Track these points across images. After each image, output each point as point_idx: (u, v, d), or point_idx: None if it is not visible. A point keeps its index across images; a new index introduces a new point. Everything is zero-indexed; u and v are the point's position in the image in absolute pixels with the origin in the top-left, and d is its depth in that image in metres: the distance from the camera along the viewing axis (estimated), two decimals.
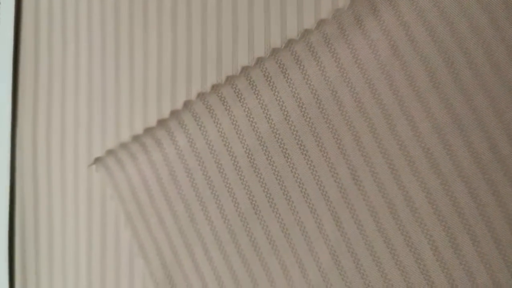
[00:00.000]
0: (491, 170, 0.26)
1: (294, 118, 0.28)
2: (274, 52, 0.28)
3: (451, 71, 0.26)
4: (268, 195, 0.28)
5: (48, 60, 0.33)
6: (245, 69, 0.29)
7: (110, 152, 0.30)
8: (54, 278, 0.32)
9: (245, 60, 0.29)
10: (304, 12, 0.28)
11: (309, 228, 0.27)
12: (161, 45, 0.31)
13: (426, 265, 0.26)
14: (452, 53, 0.26)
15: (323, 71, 0.27)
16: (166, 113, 0.30)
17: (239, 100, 0.28)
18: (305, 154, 0.27)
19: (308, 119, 0.27)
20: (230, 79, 0.29)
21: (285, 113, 0.28)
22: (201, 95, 0.29)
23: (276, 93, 0.28)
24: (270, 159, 0.28)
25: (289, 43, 0.28)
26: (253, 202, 0.28)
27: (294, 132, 0.28)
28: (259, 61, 0.28)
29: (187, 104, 0.29)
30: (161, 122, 0.30)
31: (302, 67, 0.28)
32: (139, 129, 0.31)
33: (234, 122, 0.28)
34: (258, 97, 0.28)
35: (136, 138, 0.30)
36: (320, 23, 0.28)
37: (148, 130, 0.30)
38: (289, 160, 0.28)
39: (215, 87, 0.29)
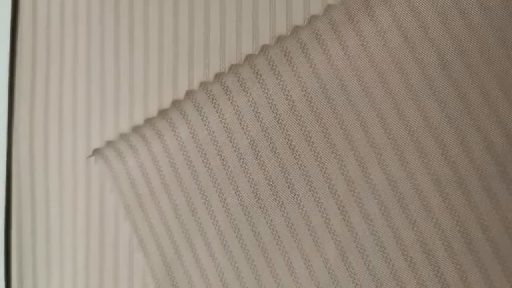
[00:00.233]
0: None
1: (300, 108, 0.27)
2: (280, 39, 0.28)
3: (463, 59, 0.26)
4: (273, 188, 0.27)
5: (46, 48, 0.32)
6: (249, 57, 0.28)
7: (109, 143, 0.30)
8: (52, 273, 0.32)
9: (249, 48, 0.29)
10: None
11: (315, 223, 0.27)
12: (162, 32, 0.30)
13: (437, 261, 0.26)
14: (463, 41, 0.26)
15: (330, 59, 0.27)
16: (167, 103, 0.30)
17: (243, 90, 0.28)
18: (311, 145, 0.27)
19: (314, 109, 0.27)
20: (233, 68, 0.28)
21: (291, 103, 0.27)
22: (203, 84, 0.29)
23: (282, 82, 0.27)
24: (275, 151, 0.27)
25: (295, 30, 0.28)
26: (257, 196, 0.28)
27: (300, 123, 0.27)
28: (264, 49, 0.28)
29: (189, 93, 0.29)
30: (162, 113, 0.29)
31: (308, 55, 0.27)
32: (139, 120, 0.31)
33: (237, 112, 0.28)
34: (263, 87, 0.28)
35: (136, 129, 0.30)
36: (328, 9, 0.27)
37: (148, 121, 0.30)
38: (295, 151, 0.27)
39: (218, 76, 0.29)
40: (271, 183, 0.27)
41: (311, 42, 0.27)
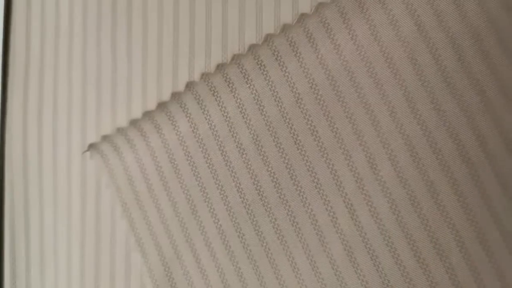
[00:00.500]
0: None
1: (306, 101, 0.27)
2: (285, 28, 0.27)
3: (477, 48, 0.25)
4: (277, 185, 0.27)
5: (40, 38, 0.32)
6: (252, 48, 0.28)
7: (105, 138, 0.30)
8: (46, 273, 0.32)
9: (253, 38, 0.29)
10: None
11: (321, 222, 0.26)
12: (162, 20, 0.30)
13: (451, 263, 0.25)
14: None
15: (339, 49, 0.26)
16: (166, 96, 0.30)
17: (246, 81, 0.28)
18: (318, 140, 0.27)
19: (321, 102, 0.27)
20: (236, 58, 0.28)
21: (296, 95, 0.27)
22: (204, 76, 0.28)
23: (287, 74, 0.27)
24: (279, 146, 0.27)
25: (301, 18, 0.27)
26: (260, 193, 0.27)
27: (306, 116, 0.27)
28: (268, 38, 0.28)
29: (189, 85, 0.29)
30: (161, 105, 0.29)
31: (315, 45, 0.27)
32: (137, 113, 0.30)
33: (240, 105, 0.28)
34: (267, 78, 0.27)
35: (134, 122, 0.30)
36: None
37: (147, 114, 0.29)
38: (300, 146, 0.27)
39: (220, 67, 0.28)
40: (275, 179, 0.27)
41: (318, 31, 0.27)
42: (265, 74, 0.27)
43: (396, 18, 0.26)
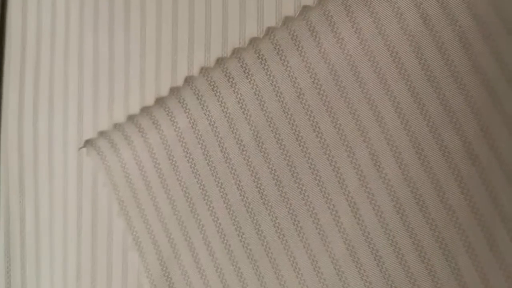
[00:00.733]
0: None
1: (308, 96, 0.26)
2: (287, 21, 0.27)
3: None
4: (278, 183, 0.27)
5: (36, 30, 0.32)
6: (253, 41, 0.28)
7: (102, 134, 0.30)
8: (41, 271, 0.32)
9: (254, 31, 0.29)
10: None
11: (323, 220, 0.26)
12: (160, 13, 0.30)
13: (457, 263, 0.25)
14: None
15: (342, 43, 0.26)
16: (165, 91, 0.30)
17: (247, 76, 0.27)
18: (320, 136, 0.26)
19: (324, 97, 0.26)
20: (236, 52, 0.28)
21: (298, 90, 0.27)
22: (204, 70, 0.28)
23: (288, 68, 0.27)
24: (280, 142, 0.27)
25: (304, 11, 0.27)
26: (261, 191, 0.27)
27: (308, 112, 0.26)
28: (270, 31, 0.27)
29: (188, 80, 0.28)
30: (160, 101, 0.29)
31: (318, 38, 0.26)
32: (135, 109, 0.30)
33: (240, 101, 0.27)
34: (268, 73, 0.27)
35: (131, 118, 0.29)
36: None
37: (144, 110, 0.29)
38: (302, 143, 0.27)
39: (220, 61, 0.28)
40: (276, 177, 0.27)
41: (321, 24, 0.26)
42: (266, 69, 0.27)
43: (401, 11, 0.25)
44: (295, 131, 0.27)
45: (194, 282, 0.28)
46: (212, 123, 0.28)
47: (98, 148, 0.29)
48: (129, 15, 0.30)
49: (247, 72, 0.27)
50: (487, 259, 0.24)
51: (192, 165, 0.28)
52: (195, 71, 0.29)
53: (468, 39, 0.25)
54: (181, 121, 0.28)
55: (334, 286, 0.26)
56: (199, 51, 0.29)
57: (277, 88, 0.27)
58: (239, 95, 0.27)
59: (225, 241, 0.27)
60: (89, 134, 0.31)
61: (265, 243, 0.27)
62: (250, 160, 0.27)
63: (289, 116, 0.27)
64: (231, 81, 0.27)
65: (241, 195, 0.27)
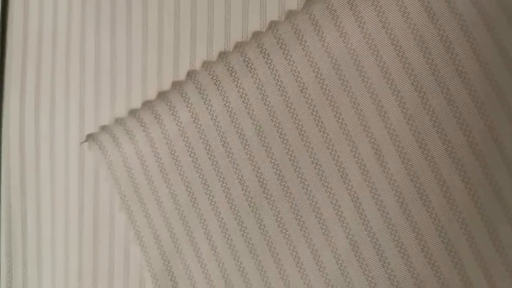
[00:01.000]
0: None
1: (311, 90, 0.26)
2: (290, 15, 0.27)
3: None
4: (280, 177, 0.27)
5: (37, 27, 0.32)
6: (256, 35, 0.28)
7: (104, 128, 0.30)
8: (43, 268, 0.32)
9: (257, 25, 0.29)
10: None
11: (326, 215, 0.26)
12: (162, 6, 0.30)
13: (460, 259, 0.24)
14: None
15: (345, 37, 0.26)
16: (167, 85, 0.30)
17: (249, 70, 0.27)
18: (323, 131, 0.26)
19: (327, 92, 0.26)
20: (239, 46, 0.28)
21: (301, 84, 0.26)
22: (206, 64, 0.28)
23: (291, 62, 0.27)
24: (282, 137, 0.27)
25: (307, 4, 0.27)
26: (263, 185, 0.27)
27: (311, 106, 0.26)
28: (272, 25, 0.27)
29: (190, 74, 0.28)
30: (162, 95, 0.29)
31: (321, 32, 0.26)
32: (137, 103, 0.30)
33: (243, 95, 0.27)
34: (271, 67, 0.27)
35: (133, 112, 0.29)
36: None
37: (146, 104, 0.29)
38: (305, 137, 0.26)
39: (222, 55, 0.28)
40: (278, 171, 0.27)
41: (324, 18, 0.26)
42: (269, 63, 0.27)
43: (405, 4, 0.25)
44: (298, 125, 0.27)
45: (196, 276, 0.28)
46: (214, 117, 0.27)
47: (100, 143, 0.29)
48: (131, 10, 0.30)
49: (250, 66, 0.27)
50: (489, 254, 0.24)
51: (194, 160, 0.28)
52: (198, 65, 0.29)
53: (471, 32, 0.25)
54: (183, 115, 0.28)
55: (336, 280, 0.26)
56: (202, 45, 0.29)
57: (279, 83, 0.27)
58: (241, 90, 0.27)
59: (227, 235, 0.27)
60: (91, 131, 0.31)
61: (267, 238, 0.27)
62: (252, 154, 0.27)
63: (291, 110, 0.27)
64: (234, 76, 0.27)
65: (243, 190, 0.27)
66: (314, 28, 0.26)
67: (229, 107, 0.27)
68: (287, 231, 0.27)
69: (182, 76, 0.29)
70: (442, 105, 0.25)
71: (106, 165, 0.29)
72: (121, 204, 0.29)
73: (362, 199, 0.26)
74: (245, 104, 0.27)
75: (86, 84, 0.31)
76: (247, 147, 0.27)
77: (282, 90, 0.27)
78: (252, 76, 0.27)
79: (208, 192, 0.28)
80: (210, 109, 0.28)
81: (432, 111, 0.25)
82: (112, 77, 0.31)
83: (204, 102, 0.28)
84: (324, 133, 0.26)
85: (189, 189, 0.28)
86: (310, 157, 0.26)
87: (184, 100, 0.28)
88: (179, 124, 0.28)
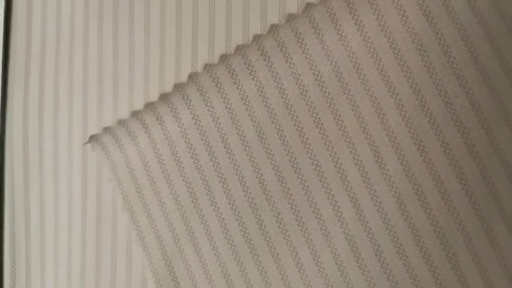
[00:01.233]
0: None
1: (311, 93, 0.26)
2: (290, 18, 0.27)
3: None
4: (280, 178, 0.27)
5: (41, 27, 0.32)
6: (257, 38, 0.28)
7: (107, 129, 0.30)
8: (46, 268, 0.32)
9: (257, 28, 0.28)
10: None
11: (326, 216, 0.26)
12: (164, 10, 0.30)
13: (458, 259, 0.24)
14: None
15: (345, 40, 0.26)
16: (169, 87, 0.30)
17: (250, 73, 0.27)
18: (322, 133, 0.26)
19: (326, 94, 0.26)
20: (240, 49, 0.28)
21: (301, 87, 0.26)
22: (208, 67, 0.28)
23: (292, 65, 0.27)
24: (283, 138, 0.27)
25: (307, 8, 0.27)
26: (264, 186, 0.27)
27: (311, 109, 0.26)
28: (273, 28, 0.27)
29: (192, 76, 0.28)
30: (164, 97, 0.29)
31: (321, 35, 0.26)
32: (139, 105, 0.30)
33: (244, 97, 0.27)
34: (271, 69, 0.27)
35: (135, 114, 0.29)
36: None
37: (149, 106, 0.29)
38: (305, 139, 0.26)
39: (223, 58, 0.28)
40: (278, 172, 0.27)
41: (324, 21, 0.26)
42: (270, 66, 0.27)
43: (404, 8, 0.25)
44: (298, 127, 0.26)
45: (197, 276, 0.28)
46: (216, 119, 0.27)
47: (103, 144, 0.29)
48: (134, 11, 0.30)
49: (251, 69, 0.27)
50: (486, 254, 0.24)
51: (196, 161, 0.28)
52: (199, 68, 0.29)
53: (469, 36, 0.25)
54: (184, 117, 0.28)
55: (336, 280, 0.26)
56: (203, 47, 0.29)
57: (280, 85, 0.27)
58: (242, 92, 0.27)
59: (228, 236, 0.27)
60: (94, 131, 0.31)
61: (267, 238, 0.27)
62: (253, 155, 0.27)
63: (292, 112, 0.27)
64: (235, 78, 0.27)
65: (243, 190, 0.27)
66: (314, 31, 0.26)
67: (230, 109, 0.27)
68: (287, 231, 0.27)
69: (183, 77, 0.29)
70: (440, 107, 0.25)
71: (109, 165, 0.29)
72: (123, 204, 0.29)
73: (361, 200, 0.26)
74: (246, 106, 0.27)
75: (89, 85, 0.31)
76: (247, 148, 0.27)
77: (283, 92, 0.27)
78: (253, 78, 0.27)
79: (209, 192, 0.27)
80: (212, 110, 0.27)
81: (430, 114, 0.25)
82: (115, 78, 0.30)
83: (206, 104, 0.28)
84: (323, 134, 0.26)
85: (190, 189, 0.28)
86: (310, 159, 0.26)
87: (186, 102, 0.28)
88: (180, 125, 0.28)
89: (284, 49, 0.27)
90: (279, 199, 0.27)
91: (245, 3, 0.28)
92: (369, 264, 0.25)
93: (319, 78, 0.26)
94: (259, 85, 0.27)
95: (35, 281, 0.32)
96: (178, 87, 0.28)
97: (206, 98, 0.28)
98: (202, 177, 0.28)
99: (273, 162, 0.27)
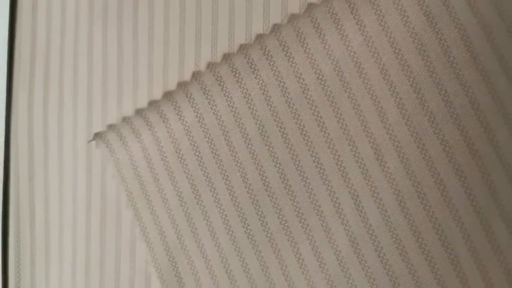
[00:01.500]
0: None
1: (313, 92, 0.26)
2: (292, 18, 0.27)
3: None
4: (282, 175, 0.27)
5: (46, 27, 0.32)
6: (259, 38, 0.28)
7: (111, 127, 0.30)
8: (51, 262, 0.32)
9: (260, 27, 0.28)
10: None
11: (327, 213, 0.26)
12: (168, 9, 0.30)
13: (457, 257, 0.25)
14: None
15: (346, 40, 0.26)
16: (172, 85, 0.30)
17: (253, 72, 0.27)
18: (324, 131, 0.26)
19: (328, 93, 0.26)
20: (243, 48, 0.28)
21: (303, 86, 0.26)
22: (211, 66, 0.28)
23: (294, 64, 0.27)
24: (285, 136, 0.27)
25: (309, 8, 0.27)
26: (266, 183, 0.27)
27: (313, 107, 0.26)
28: (275, 28, 0.27)
29: (195, 75, 0.28)
30: (167, 95, 0.29)
31: (322, 35, 0.26)
32: (143, 103, 0.30)
33: (246, 96, 0.27)
34: (274, 68, 0.27)
35: (139, 112, 0.29)
36: None
37: (152, 104, 0.29)
38: (306, 137, 0.26)
39: (226, 57, 0.28)
40: (280, 170, 0.27)
41: (326, 22, 0.26)
42: (272, 65, 0.27)
43: (404, 8, 0.25)
44: (300, 125, 0.27)
45: (200, 271, 0.28)
46: (219, 117, 0.27)
47: (107, 141, 0.29)
48: (138, 11, 0.30)
49: (253, 68, 0.27)
50: (485, 252, 0.24)
51: (199, 158, 0.28)
52: (202, 67, 0.29)
53: (469, 36, 0.25)
54: (188, 115, 0.28)
55: (337, 276, 0.26)
56: (206, 47, 0.29)
57: (282, 84, 0.27)
58: (245, 90, 0.27)
59: (231, 232, 0.27)
60: (98, 129, 0.31)
61: (269, 234, 0.27)
62: (255, 153, 0.27)
63: (293, 110, 0.27)
64: (238, 77, 0.27)
65: (246, 187, 0.27)
66: (315, 31, 0.26)
67: (232, 107, 0.27)
68: (288, 228, 0.27)
69: (187, 76, 0.29)
70: (440, 106, 0.25)
71: (113, 163, 0.29)
72: (127, 201, 0.29)
73: (361, 197, 0.26)
74: (249, 105, 0.27)
75: (93, 84, 0.31)
76: (250, 146, 0.27)
77: (285, 91, 0.27)
78: (255, 77, 0.27)
79: (212, 189, 0.27)
80: (215, 109, 0.27)
81: (430, 112, 0.25)
82: (119, 77, 0.30)
83: (209, 102, 0.28)
84: (325, 133, 0.26)
85: (193, 186, 0.28)
86: (312, 156, 0.26)
87: (189, 100, 0.28)
88: (184, 123, 0.28)
89: (286, 48, 0.27)
90: (281, 196, 0.27)
91: (247, 3, 0.28)
92: (369, 260, 0.26)
93: (320, 77, 0.26)
94: (261, 83, 0.27)
95: (40, 278, 0.32)
96: (181, 85, 0.28)
97: (209, 97, 0.28)
98: (205, 174, 0.28)
99: (275, 159, 0.27)
